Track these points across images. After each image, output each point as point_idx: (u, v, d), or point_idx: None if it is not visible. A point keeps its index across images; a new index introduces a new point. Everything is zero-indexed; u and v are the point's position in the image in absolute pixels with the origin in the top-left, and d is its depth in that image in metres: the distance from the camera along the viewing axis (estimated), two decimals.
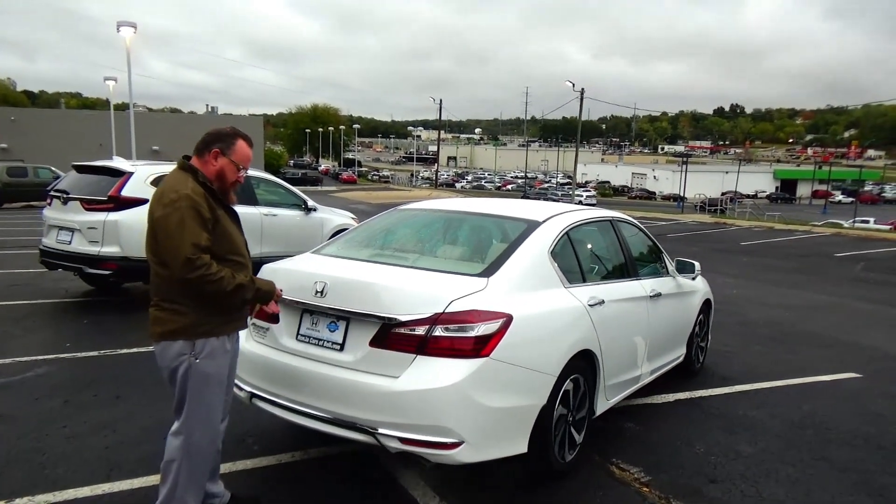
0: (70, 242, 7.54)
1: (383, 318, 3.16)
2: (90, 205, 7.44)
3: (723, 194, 63.91)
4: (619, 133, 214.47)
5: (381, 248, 4.23)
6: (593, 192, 65.38)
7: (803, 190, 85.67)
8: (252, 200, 8.75)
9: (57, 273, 8.57)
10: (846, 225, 33.94)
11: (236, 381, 3.68)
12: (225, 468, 3.67)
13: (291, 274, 3.70)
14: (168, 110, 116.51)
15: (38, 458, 3.74)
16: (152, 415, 4.45)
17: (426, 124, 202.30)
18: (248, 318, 3.25)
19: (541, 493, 3.60)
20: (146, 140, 39.24)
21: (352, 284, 3.39)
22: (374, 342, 3.19)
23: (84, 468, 3.63)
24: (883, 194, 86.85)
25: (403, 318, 3.12)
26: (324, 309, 3.37)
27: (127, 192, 7.47)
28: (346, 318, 3.31)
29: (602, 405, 4.14)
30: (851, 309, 10.36)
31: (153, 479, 3.49)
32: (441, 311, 3.11)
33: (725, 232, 26.33)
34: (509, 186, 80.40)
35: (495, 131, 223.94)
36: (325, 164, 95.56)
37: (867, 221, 41.57)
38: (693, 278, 5.62)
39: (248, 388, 3.59)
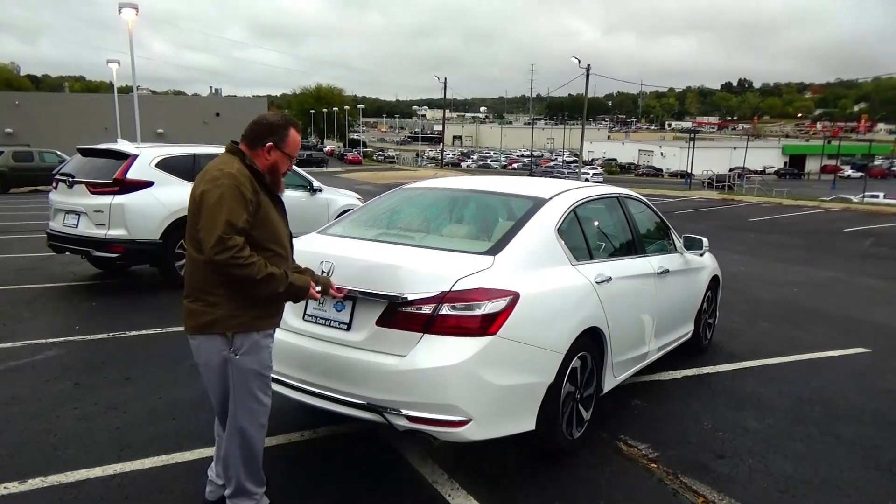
0: (77, 226, 7.56)
1: (390, 297, 3.15)
2: (96, 188, 7.45)
3: (730, 170, 63.41)
4: (625, 110, 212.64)
5: (387, 227, 4.22)
6: (600, 170, 65.02)
7: (812, 165, 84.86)
8: None
9: (64, 256, 8.60)
10: (855, 200, 33.61)
11: None
12: None
13: (298, 254, 3.67)
14: (171, 93, 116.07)
15: (50, 439, 3.77)
16: (161, 396, 4.48)
17: (431, 103, 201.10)
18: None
19: (548, 469, 3.61)
20: (150, 123, 39.20)
21: (358, 264, 3.38)
22: (381, 321, 3.19)
23: (95, 449, 3.67)
24: (893, 169, 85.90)
25: (410, 297, 3.11)
26: None
27: (132, 174, 7.46)
28: (352, 297, 3.31)
29: (610, 382, 4.14)
30: (860, 285, 10.30)
31: (164, 460, 3.55)
32: (447, 289, 3.10)
33: (733, 208, 26.17)
34: (515, 165, 79.97)
35: (500, 110, 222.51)
36: (329, 145, 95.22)
37: (877, 196, 41.17)
38: (701, 254, 5.58)
39: None
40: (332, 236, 3.98)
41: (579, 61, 38.74)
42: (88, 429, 3.94)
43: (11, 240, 11.93)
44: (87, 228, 7.49)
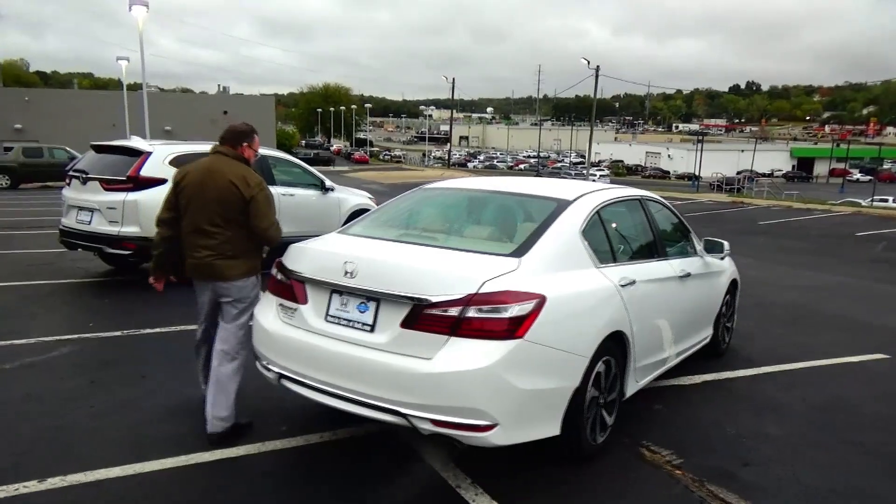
0: (90, 222, 7.55)
1: (415, 298, 3.10)
2: (109, 185, 7.43)
3: (738, 173, 63.16)
4: (632, 111, 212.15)
5: (408, 227, 4.17)
6: (607, 172, 64.79)
7: (820, 168, 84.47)
8: (269, 180, 8.69)
9: (76, 253, 8.59)
10: (864, 203, 33.45)
11: (264, 362, 3.67)
12: (254, 449, 3.68)
13: (320, 254, 3.66)
14: (179, 90, 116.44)
15: (67, 438, 3.74)
16: (177, 394, 4.45)
17: (437, 103, 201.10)
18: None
19: (572, 475, 3.56)
20: (158, 120, 39.21)
21: (382, 265, 3.34)
22: (406, 323, 3.14)
23: (112, 447, 3.63)
24: None
25: (436, 299, 3.06)
26: (354, 289, 3.32)
27: (146, 171, 7.44)
28: (376, 298, 3.26)
29: (632, 387, 4.09)
30: (874, 290, 10.20)
31: (183, 460, 3.51)
32: (474, 291, 3.06)
33: (743, 211, 26.05)
34: (522, 166, 79.86)
35: (507, 110, 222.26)
36: (336, 144, 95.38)
37: (886, 200, 40.93)
38: (722, 258, 5.52)
39: (277, 369, 3.56)
40: (354, 236, 3.94)
41: (588, 62, 38.67)
42: (105, 427, 3.91)
43: (23, 236, 11.94)
44: (100, 225, 7.47)
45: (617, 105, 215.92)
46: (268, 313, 3.72)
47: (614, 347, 3.74)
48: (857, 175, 78.62)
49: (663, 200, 5.17)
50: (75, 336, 5.70)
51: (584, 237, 3.75)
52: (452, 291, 3.07)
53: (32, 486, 3.19)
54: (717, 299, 5.61)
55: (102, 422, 3.98)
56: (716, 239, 5.42)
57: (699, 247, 5.34)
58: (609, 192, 4.33)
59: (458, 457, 3.65)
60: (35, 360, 5.08)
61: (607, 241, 4.02)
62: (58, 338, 5.62)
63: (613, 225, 4.19)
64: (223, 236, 3.74)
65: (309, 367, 3.40)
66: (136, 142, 7.99)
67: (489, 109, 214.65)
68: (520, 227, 3.87)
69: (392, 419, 3.13)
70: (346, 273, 3.32)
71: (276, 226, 3.84)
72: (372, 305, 3.29)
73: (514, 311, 3.06)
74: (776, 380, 5.42)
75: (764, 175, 66.30)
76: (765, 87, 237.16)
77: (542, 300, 3.16)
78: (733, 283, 6.02)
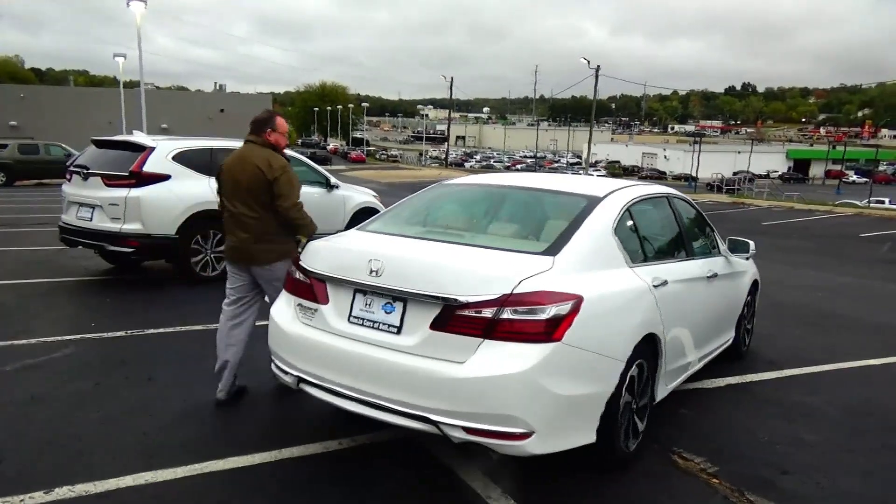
0: (91, 219, 7.35)
1: (446, 299, 2.94)
2: (111, 181, 7.24)
3: (734, 174, 63.21)
4: (628, 112, 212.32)
5: (431, 225, 4.01)
6: (604, 172, 64.76)
7: (816, 170, 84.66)
8: None
9: (76, 250, 8.39)
10: (860, 205, 33.46)
11: (282, 365, 3.50)
12: (270, 456, 3.51)
13: (342, 252, 3.50)
14: (175, 88, 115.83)
15: (74, 444, 3.56)
16: (187, 398, 4.27)
17: (434, 103, 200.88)
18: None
19: (607, 483, 3.40)
20: (155, 118, 38.93)
21: (410, 263, 3.17)
22: (436, 325, 2.97)
23: (122, 455, 3.45)
24: None
25: (469, 300, 2.90)
26: (379, 289, 3.15)
27: (149, 167, 7.25)
28: (403, 298, 3.10)
29: (661, 391, 3.94)
30: (885, 291, 10.09)
31: (197, 469, 3.34)
32: (509, 291, 2.89)
33: (744, 212, 25.97)
34: (518, 166, 79.76)
35: (503, 110, 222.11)
36: (333, 144, 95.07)
37: (882, 202, 40.97)
38: (747, 258, 5.37)
39: (295, 373, 3.39)
40: (376, 233, 3.76)
41: (588, 62, 38.54)
42: (113, 433, 3.73)
43: (21, 233, 11.72)
44: (101, 222, 7.28)
45: (613, 106, 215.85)
46: (286, 313, 3.55)
47: (647, 350, 3.58)
48: (853, 177, 78.77)
49: (687, 198, 5.02)
50: (78, 336, 5.52)
51: (617, 235, 3.59)
52: (486, 291, 2.90)
53: (39, 496, 3.01)
54: (740, 300, 5.46)
55: (110, 427, 3.80)
56: (741, 238, 5.27)
57: (723, 246, 5.19)
58: (638, 189, 4.17)
59: (488, 466, 3.49)
60: (38, 361, 4.89)
61: (638, 239, 3.86)
62: (60, 338, 5.43)
63: (644, 223, 4.03)
64: (256, 221, 4.06)
65: (331, 370, 3.23)
66: (138, 136, 7.79)
67: (485, 109, 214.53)
68: (550, 225, 3.70)
69: (421, 426, 2.96)
70: (372, 272, 3.15)
71: (298, 206, 4.08)
72: (399, 306, 3.12)
73: (552, 312, 2.90)
74: (801, 383, 5.27)
75: (760, 176, 66.39)
76: (760, 89, 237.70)
77: (579, 301, 3.00)
78: (754, 283, 5.88)
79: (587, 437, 3.13)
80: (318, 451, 3.61)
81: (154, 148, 7.39)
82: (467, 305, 2.90)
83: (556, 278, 3.04)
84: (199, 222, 7.50)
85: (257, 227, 4.06)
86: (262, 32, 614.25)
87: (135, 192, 7.17)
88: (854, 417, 4.54)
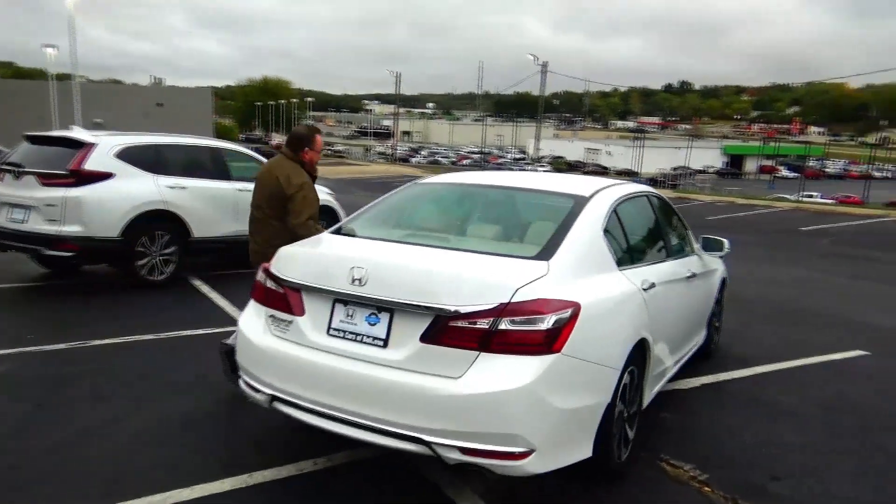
0: (25, 221, 6.80)
1: (440, 309, 2.72)
2: (48, 179, 6.70)
3: (674, 169, 64.88)
4: (571, 108, 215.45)
5: (413, 227, 3.77)
6: (549, 168, 65.43)
7: (751, 165, 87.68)
8: (225, 174, 8.11)
9: (7, 255, 7.77)
10: (792, 199, 34.79)
11: (252, 382, 3.22)
12: (241, 482, 3.23)
13: (318, 258, 3.24)
14: (109, 81, 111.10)
15: (18, 478, 3.19)
16: (145, 418, 3.92)
17: (379, 98, 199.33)
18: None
19: (598, 496, 3.26)
20: (88, 112, 37.25)
21: (398, 271, 2.93)
22: (427, 337, 2.75)
23: (77, 488, 3.11)
24: (825, 169, 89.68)
25: (464, 310, 2.68)
26: (363, 299, 2.90)
27: (90, 165, 6.76)
28: (390, 309, 2.86)
29: (647, 397, 3.82)
30: (833, 284, 10.37)
31: (162, 499, 3.02)
32: (507, 300, 2.70)
33: (689, 206, 26.50)
34: (465, 161, 79.86)
35: (448, 106, 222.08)
36: (277, 139, 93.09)
37: (813, 196, 42.77)
38: (721, 256, 5.33)
39: (268, 390, 3.11)
40: (354, 238, 3.51)
41: (536, 58, 38.80)
42: (63, 462, 3.36)
43: None
44: (37, 224, 6.73)
45: (556, 102, 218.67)
46: (256, 325, 3.27)
47: (637, 356, 3.45)
48: (784, 172, 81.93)
49: (663, 195, 4.93)
50: (12, 351, 5.04)
51: (606, 237, 3.45)
52: (482, 301, 2.70)
53: None
54: (712, 299, 5.43)
55: (60, 456, 3.42)
56: (715, 237, 5.22)
57: (696, 245, 5.13)
58: (621, 188, 4.03)
59: (475, 482, 3.29)
60: None
61: (625, 240, 3.73)
62: None
63: (629, 223, 3.89)
64: (273, 228, 4.32)
65: (309, 387, 2.97)
66: (77, 132, 7.27)
67: (430, 105, 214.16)
68: (538, 226, 3.52)
69: (412, 447, 2.74)
70: (355, 280, 2.90)
71: (308, 225, 4.22)
72: (384, 317, 2.88)
73: (551, 321, 2.71)
74: (774, 380, 5.27)
75: (699, 171, 68.39)
76: (697, 87, 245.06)
77: (577, 308, 2.83)
78: (723, 281, 5.86)
79: (585, 451, 2.97)
80: (293, 473, 3.34)
81: (95, 144, 6.89)
82: (462, 316, 2.69)
83: (552, 285, 2.86)
84: (145, 223, 7.06)
85: (273, 234, 4.26)
86: (200, 25, 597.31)
87: (74, 192, 6.67)
88: (831, 415, 4.54)
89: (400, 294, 2.81)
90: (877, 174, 76.63)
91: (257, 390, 3.18)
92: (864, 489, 3.48)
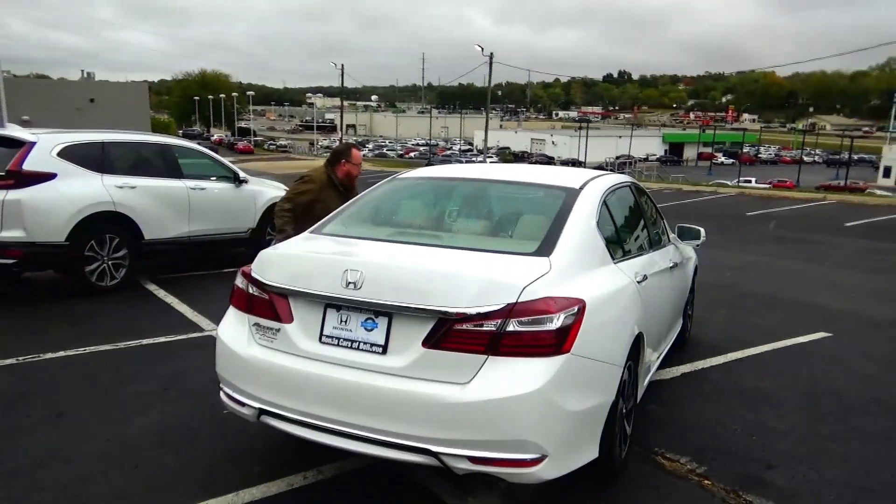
0: None
1: (443, 312, 2.57)
2: None
3: (617, 158, 66.15)
4: (514, 100, 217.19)
5: (401, 225, 3.61)
6: (496, 159, 65.76)
7: (690, 153, 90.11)
8: (176, 173, 7.73)
9: None
10: (730, 185, 35.91)
11: (236, 395, 3.00)
12: (226, 501, 3.01)
13: (306, 260, 3.04)
14: (34, 76, 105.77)
15: None
16: (109, 436, 3.64)
17: (321, 91, 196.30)
18: None
19: (603, 498, 3.18)
20: (14, 109, 35.19)
21: (395, 272, 2.77)
22: (430, 342, 2.60)
23: None
24: (759, 156, 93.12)
25: (471, 312, 2.54)
26: (358, 303, 2.73)
27: (30, 165, 6.31)
28: (387, 313, 2.70)
29: (640, 391, 3.76)
30: (783, 268, 10.63)
31: None
32: (514, 300, 2.57)
33: None
34: (412, 154, 79.49)
35: (392, 98, 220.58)
36: (217, 134, 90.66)
37: (749, 181, 44.33)
38: (697, 246, 5.34)
39: (256, 404, 2.91)
40: (341, 237, 3.31)
41: (482, 49, 38.76)
42: (21, 489, 3.07)
43: None
44: None
45: (500, 93, 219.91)
46: (239, 335, 3.04)
47: (633, 351, 3.38)
48: (721, 158, 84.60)
49: (641, 185, 4.89)
50: None
51: (599, 229, 3.36)
52: (488, 301, 2.56)
53: None
54: (687, 288, 5.44)
55: (20, 483, 3.13)
56: (691, 225, 5.23)
57: (672, 234, 5.13)
58: (607, 179, 3.95)
59: (470, 486, 3.16)
60: None
61: (616, 233, 3.65)
62: None
63: (618, 215, 3.82)
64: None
65: (301, 399, 2.78)
66: (14, 130, 6.80)
67: (374, 97, 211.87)
68: (531, 221, 3.40)
69: (418, 459, 2.59)
70: (349, 283, 2.72)
71: (283, 208, 5.05)
72: (382, 322, 2.71)
73: (560, 320, 2.60)
74: (748, 366, 5.33)
75: (641, 160, 69.91)
76: (635, 76, 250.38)
77: (582, 305, 2.72)
78: (695, 269, 5.90)
79: (592, 452, 2.88)
80: (283, 490, 3.14)
81: (35, 143, 6.44)
82: (468, 318, 2.55)
83: (557, 282, 2.75)
84: (93, 226, 6.65)
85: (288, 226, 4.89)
86: (131, 16, 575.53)
87: (14, 195, 6.21)
88: (809, 400, 4.60)
89: (399, 297, 2.64)
90: (807, 159, 79.91)
91: (243, 404, 2.97)
92: (855, 474, 3.50)
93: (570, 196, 3.41)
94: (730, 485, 3.34)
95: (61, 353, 5.00)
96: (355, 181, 5.23)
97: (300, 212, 5.01)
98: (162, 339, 5.40)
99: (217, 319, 3.36)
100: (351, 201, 3.85)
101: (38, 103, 45.42)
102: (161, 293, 6.99)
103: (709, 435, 3.96)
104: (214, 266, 8.27)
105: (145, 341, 5.33)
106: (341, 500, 3.11)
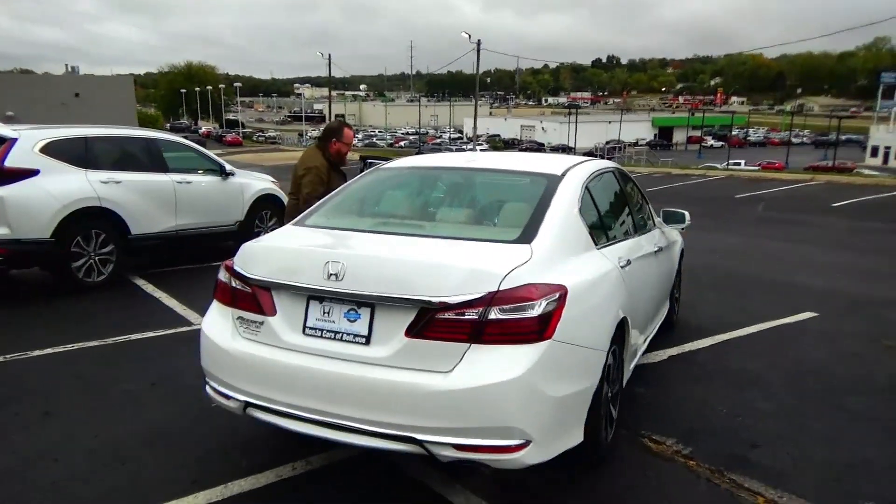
0: None
1: (425, 301, 2.58)
2: None
3: (607, 143, 66.15)
4: (503, 86, 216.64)
5: (383, 215, 3.60)
6: (486, 146, 65.66)
7: (679, 136, 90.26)
8: (161, 167, 7.68)
9: None
10: (720, 167, 36.01)
11: (222, 389, 3.01)
12: (216, 494, 3.03)
13: (287, 253, 3.03)
14: (17, 71, 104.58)
15: None
16: (99, 434, 3.64)
17: (309, 81, 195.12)
18: None
19: (587, 479, 3.21)
20: None
21: (377, 263, 2.77)
22: (412, 332, 2.61)
23: None
24: (748, 138, 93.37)
25: (452, 301, 2.55)
26: (340, 295, 2.73)
27: (12, 162, 6.26)
28: (370, 304, 2.70)
29: (626, 374, 3.79)
30: (771, 249, 10.70)
31: None
32: (496, 288, 2.58)
33: None
34: (402, 143, 79.24)
35: (381, 87, 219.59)
36: (205, 127, 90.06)
37: (739, 164, 44.47)
38: (683, 229, 5.37)
39: (241, 397, 2.91)
40: (322, 229, 3.31)
41: (469, 36, 38.58)
42: (12, 488, 3.07)
43: None
44: None
45: (489, 80, 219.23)
46: (223, 328, 3.05)
47: (618, 334, 3.40)
48: (710, 141, 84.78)
49: (625, 170, 4.90)
50: None
51: (582, 215, 3.37)
52: (470, 290, 2.57)
53: None
54: (674, 271, 5.47)
55: (7, 486, 3.13)
56: (676, 209, 5.25)
57: (657, 218, 5.15)
58: (590, 165, 3.95)
59: (456, 471, 3.19)
60: None
61: (600, 218, 3.66)
62: None
63: (601, 200, 3.83)
64: (294, 209, 4.75)
65: (286, 391, 2.79)
66: None
67: (363, 86, 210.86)
68: (513, 208, 3.41)
69: (404, 447, 2.61)
70: (331, 275, 2.72)
71: (310, 201, 4.42)
72: (365, 312, 2.72)
73: (542, 307, 2.61)
74: (734, 348, 5.38)
75: (631, 144, 69.98)
76: (624, 61, 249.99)
77: (564, 292, 2.74)
78: (681, 252, 5.93)
79: (577, 437, 2.90)
80: (272, 481, 3.16)
81: (17, 139, 6.38)
82: (450, 307, 2.56)
83: (538, 269, 2.76)
84: (78, 222, 6.62)
85: (291, 209, 4.96)
86: (114, 9, 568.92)
87: None
88: (795, 380, 4.65)
89: (381, 287, 2.65)
90: (795, 140, 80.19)
91: (228, 397, 2.98)
92: (840, 452, 3.55)
93: (552, 183, 3.42)
94: (715, 465, 3.38)
95: (49, 350, 4.99)
96: (345, 159, 5.33)
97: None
98: (150, 334, 5.39)
99: (205, 313, 3.36)
100: (334, 192, 3.85)
101: (23, 98, 45.09)
102: (149, 288, 6.97)
103: (695, 416, 4.00)
104: (203, 260, 8.24)
105: (133, 337, 5.32)
106: (330, 489, 3.12)
